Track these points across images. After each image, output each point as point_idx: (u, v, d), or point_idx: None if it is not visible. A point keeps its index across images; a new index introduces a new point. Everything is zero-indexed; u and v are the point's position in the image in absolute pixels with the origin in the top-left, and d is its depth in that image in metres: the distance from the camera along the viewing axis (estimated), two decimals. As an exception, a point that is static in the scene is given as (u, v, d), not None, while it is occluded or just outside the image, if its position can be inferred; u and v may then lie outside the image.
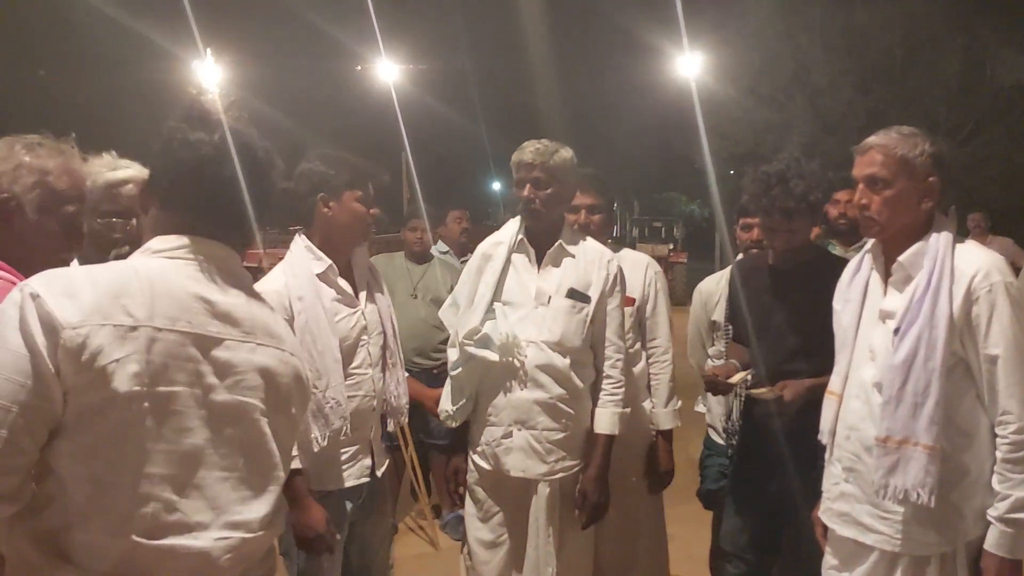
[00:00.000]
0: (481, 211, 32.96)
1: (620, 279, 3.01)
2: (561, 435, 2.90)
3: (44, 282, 1.32)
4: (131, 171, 2.15)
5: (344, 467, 2.72)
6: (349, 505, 2.76)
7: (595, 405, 2.96)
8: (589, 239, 3.06)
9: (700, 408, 3.70)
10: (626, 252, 3.32)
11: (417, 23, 22.54)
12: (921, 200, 2.28)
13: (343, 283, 2.76)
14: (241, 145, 1.48)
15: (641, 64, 21.54)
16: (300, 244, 2.73)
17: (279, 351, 1.49)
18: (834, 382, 2.47)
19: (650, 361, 3.25)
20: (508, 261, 2.97)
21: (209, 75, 12.29)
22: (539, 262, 2.97)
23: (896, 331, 2.25)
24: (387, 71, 17.42)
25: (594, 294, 2.94)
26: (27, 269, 1.70)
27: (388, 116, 17.88)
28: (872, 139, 2.32)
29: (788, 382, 2.69)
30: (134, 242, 2.00)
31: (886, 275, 2.37)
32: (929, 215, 2.31)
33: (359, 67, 18.52)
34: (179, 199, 1.47)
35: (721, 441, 3.50)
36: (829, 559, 2.47)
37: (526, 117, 26.95)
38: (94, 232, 2.12)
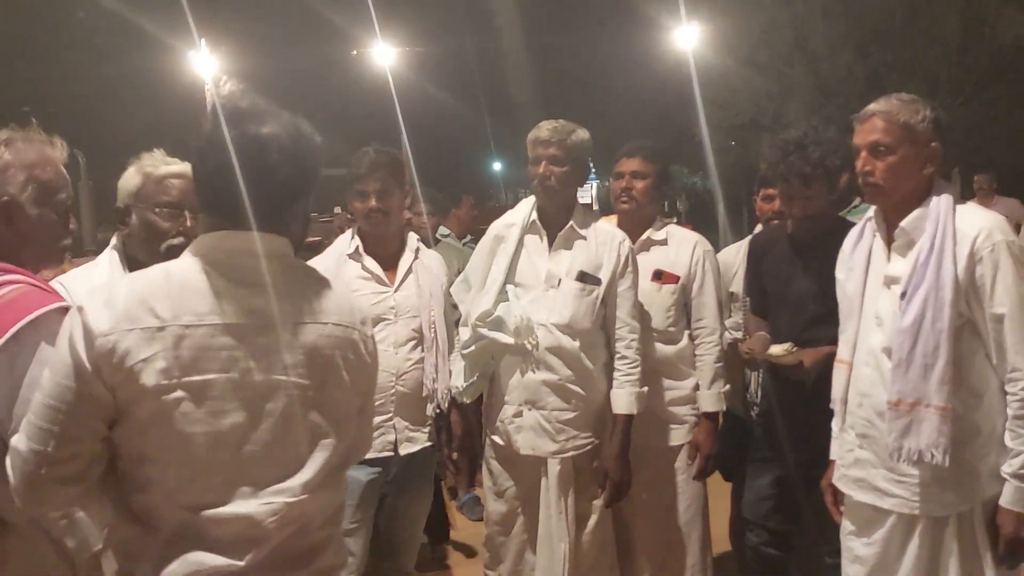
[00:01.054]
0: (483, 192, 32.92)
1: (632, 260, 3.03)
2: (571, 415, 2.95)
3: (91, 296, 1.50)
4: (183, 167, 2.24)
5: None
6: (370, 477, 2.82)
7: (610, 386, 2.99)
8: (601, 221, 3.09)
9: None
10: (673, 229, 3.29)
11: (412, 5, 22.40)
12: (923, 165, 2.31)
13: (371, 263, 2.92)
14: (260, 136, 1.53)
15: (638, 36, 21.40)
16: (349, 232, 3.05)
17: (320, 325, 1.57)
18: (842, 350, 2.49)
19: (696, 342, 3.21)
20: (520, 242, 3.01)
21: (204, 65, 12.24)
22: (551, 243, 3.00)
23: (902, 295, 2.28)
24: (383, 55, 17.33)
25: (605, 276, 2.96)
26: (35, 263, 1.81)
27: (386, 100, 17.81)
28: (873, 106, 2.34)
29: (807, 349, 2.69)
30: (188, 233, 2.16)
31: (889, 241, 2.39)
32: (930, 180, 2.34)
33: (355, 51, 18.43)
34: (210, 198, 1.58)
35: (740, 413, 3.48)
36: (847, 525, 2.48)
37: (523, 95, 26.83)
38: (148, 223, 2.20)
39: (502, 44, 27.74)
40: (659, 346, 3.17)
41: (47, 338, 1.59)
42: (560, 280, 2.95)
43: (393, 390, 2.88)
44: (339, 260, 2.94)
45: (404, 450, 2.92)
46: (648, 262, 3.20)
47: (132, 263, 2.22)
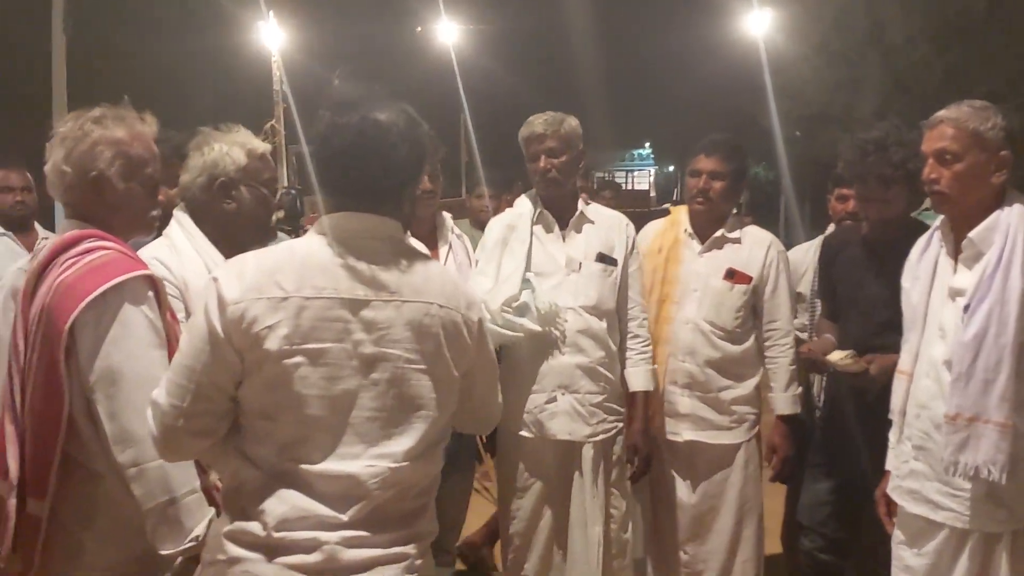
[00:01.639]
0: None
1: (636, 242, 3.16)
2: (600, 397, 3.01)
3: (224, 267, 1.69)
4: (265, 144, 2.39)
5: None
6: None
7: (623, 366, 3.08)
8: (600, 207, 3.17)
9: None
10: (750, 229, 3.24)
11: (478, -18, 22.32)
12: (993, 174, 2.24)
13: (415, 241, 2.90)
14: (379, 122, 1.65)
15: (707, 22, 21.03)
16: None
17: (426, 305, 1.68)
18: (904, 360, 2.45)
19: (768, 344, 3.16)
20: (531, 234, 3.06)
21: (272, 38, 12.39)
22: (563, 231, 3.06)
23: (966, 308, 2.23)
24: (447, 32, 17.33)
25: (620, 257, 3.06)
26: (124, 232, 1.97)
27: (447, 77, 17.84)
28: (942, 112, 2.29)
29: (875, 356, 2.63)
30: (281, 206, 2.23)
31: (956, 252, 2.33)
32: (1000, 189, 2.27)
33: (419, 28, 18.47)
34: (331, 180, 1.71)
35: (802, 415, 3.40)
36: (899, 535, 2.46)
37: (587, 78, 26.62)
38: (258, 197, 2.30)
39: (567, 26, 27.52)
40: (724, 345, 3.13)
41: (130, 300, 1.77)
42: (580, 264, 3.01)
43: None
44: None
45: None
46: (720, 260, 3.16)
47: (223, 233, 2.28)
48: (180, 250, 2.23)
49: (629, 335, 3.08)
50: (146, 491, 1.79)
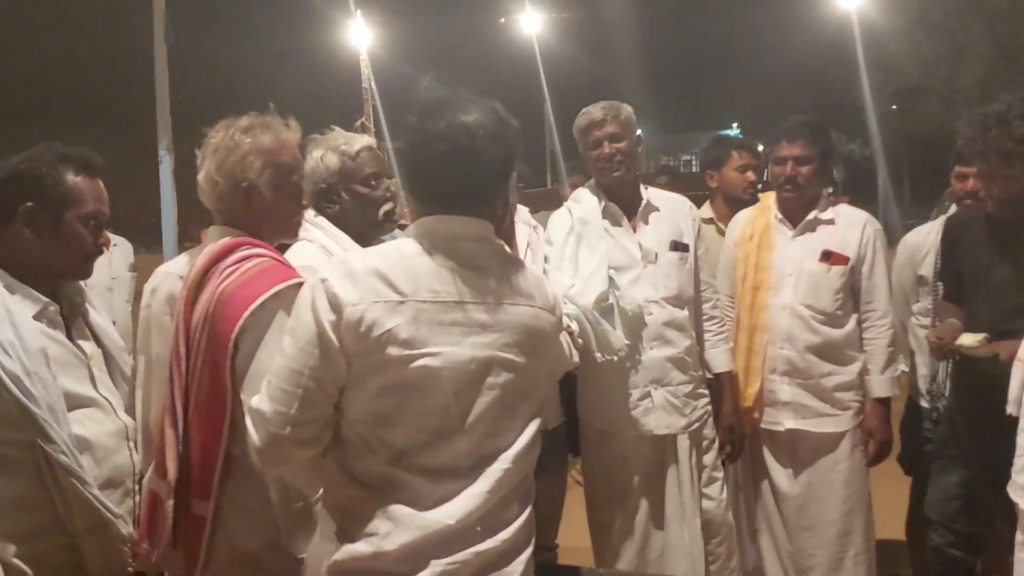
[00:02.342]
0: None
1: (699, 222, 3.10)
2: (690, 387, 2.96)
3: (330, 268, 1.63)
4: (364, 139, 2.40)
5: None
6: None
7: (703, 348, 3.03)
8: (662, 191, 3.10)
9: (902, 368, 3.47)
10: (842, 208, 3.15)
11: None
12: None
13: (499, 242, 2.89)
14: (466, 124, 1.63)
15: (795, -3, 20.41)
16: None
17: (530, 308, 1.68)
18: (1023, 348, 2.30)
19: (866, 325, 3.06)
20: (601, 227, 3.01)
21: (359, 36, 12.64)
22: (631, 222, 3.00)
23: None
24: (530, 22, 17.32)
25: (689, 241, 3.01)
26: (271, 238, 2.00)
27: (530, 67, 17.85)
28: None
29: (1005, 342, 2.51)
30: (393, 198, 2.36)
31: None
32: None
33: (502, 19, 18.53)
34: (422, 184, 1.68)
35: (926, 404, 3.29)
36: (1019, 535, 2.34)
37: (671, 60, 26.24)
38: (359, 196, 2.33)
39: (650, 8, 27.13)
40: (824, 329, 3.03)
41: (285, 308, 1.76)
42: (656, 254, 2.95)
43: None
44: None
45: (551, 424, 2.96)
46: (815, 242, 3.07)
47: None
48: (330, 250, 2.28)
49: (704, 317, 3.04)
50: (281, 495, 1.83)
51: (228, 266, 1.86)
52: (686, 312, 2.96)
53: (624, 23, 26.74)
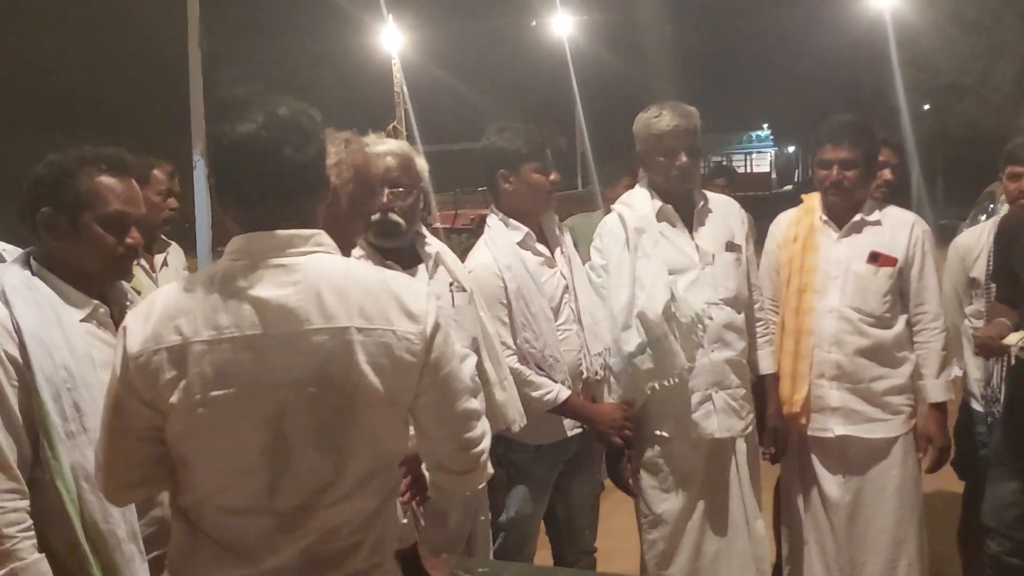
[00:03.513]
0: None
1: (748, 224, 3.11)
2: (745, 390, 2.97)
3: (135, 310, 1.57)
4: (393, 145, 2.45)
5: (555, 420, 2.81)
6: (549, 463, 2.87)
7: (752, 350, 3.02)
8: (711, 193, 3.09)
9: (956, 372, 3.39)
10: (890, 210, 3.11)
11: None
12: None
13: (541, 247, 2.87)
14: (251, 133, 1.51)
15: (826, -4, 20.22)
16: (495, 218, 2.88)
17: (340, 329, 1.50)
18: None
19: (917, 329, 3.03)
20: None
21: (391, 40, 12.71)
22: (687, 225, 2.98)
23: None
24: (561, 24, 17.32)
25: (741, 242, 3.01)
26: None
27: (561, 70, 17.84)
28: None
29: None
30: (385, 208, 2.36)
31: None
32: None
33: (534, 22, 18.54)
34: (225, 198, 1.57)
35: (980, 408, 3.25)
36: None
37: (700, 60, 26.09)
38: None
39: (679, 9, 27.00)
40: (874, 331, 2.99)
41: None
42: (714, 255, 2.94)
43: (580, 366, 2.87)
44: (514, 250, 2.81)
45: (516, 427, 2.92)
46: (862, 244, 3.03)
47: None
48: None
49: (753, 319, 3.05)
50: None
51: None
52: (741, 315, 2.96)
53: (654, 24, 26.62)
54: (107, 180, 1.93)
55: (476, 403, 1.67)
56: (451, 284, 2.52)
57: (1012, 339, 2.54)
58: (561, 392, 2.70)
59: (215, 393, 1.47)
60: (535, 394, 2.70)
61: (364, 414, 1.52)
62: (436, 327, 1.56)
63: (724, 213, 3.03)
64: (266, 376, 1.48)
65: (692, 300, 2.86)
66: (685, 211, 2.99)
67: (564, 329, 2.82)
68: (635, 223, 2.98)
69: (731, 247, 2.96)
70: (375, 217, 2.34)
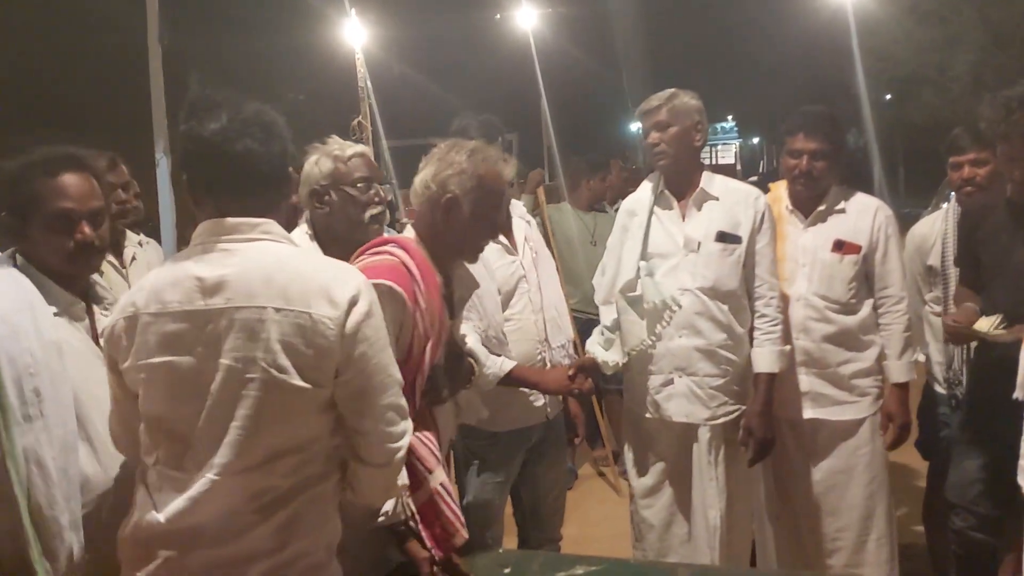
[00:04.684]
0: (620, 156, 32.36)
1: (769, 217, 3.03)
2: (721, 380, 2.97)
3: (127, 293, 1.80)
4: (358, 146, 2.54)
5: (515, 408, 2.86)
6: (516, 448, 2.94)
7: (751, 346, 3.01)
8: (730, 180, 3.09)
9: (920, 356, 3.49)
10: (855, 197, 3.18)
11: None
12: None
13: (502, 236, 2.93)
14: (220, 129, 1.68)
15: (789, -13, 20.40)
16: None
17: (258, 309, 1.64)
18: None
19: (881, 311, 3.11)
20: (651, 214, 3.03)
21: (355, 34, 12.61)
22: (683, 210, 3.02)
23: None
24: (525, 18, 17.29)
25: (744, 233, 2.98)
26: (452, 256, 2.22)
27: (527, 63, 17.81)
28: None
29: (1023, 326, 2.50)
30: (383, 201, 2.51)
31: None
32: None
33: (498, 15, 18.49)
34: (196, 190, 1.76)
35: (942, 390, 3.33)
36: None
37: (664, 52, 26.20)
38: (349, 198, 2.46)
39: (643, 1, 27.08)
40: (839, 317, 3.08)
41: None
42: (699, 243, 2.96)
43: (540, 356, 2.95)
44: None
45: (552, 414, 2.99)
46: (827, 232, 3.11)
47: (325, 235, 2.49)
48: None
49: (756, 315, 3.01)
50: None
51: (363, 252, 2.13)
52: (725, 306, 2.93)
53: (618, 17, 26.70)
54: (51, 180, 1.96)
55: (402, 400, 1.76)
56: None
57: (983, 325, 2.59)
58: (505, 363, 2.73)
59: (154, 360, 1.67)
60: (482, 370, 2.72)
61: (275, 392, 1.63)
62: (364, 317, 1.67)
63: (732, 201, 3.00)
64: (196, 348, 1.65)
65: (665, 285, 2.89)
66: (683, 196, 3.03)
67: (517, 318, 2.88)
68: (629, 205, 3.12)
69: (723, 237, 2.95)
70: (374, 211, 2.48)
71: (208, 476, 1.63)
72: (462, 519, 2.10)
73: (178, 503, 1.65)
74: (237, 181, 1.70)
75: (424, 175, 2.19)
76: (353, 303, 1.67)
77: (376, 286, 1.82)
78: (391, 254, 2.09)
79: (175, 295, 1.66)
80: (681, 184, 3.04)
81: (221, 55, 14.34)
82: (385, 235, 2.41)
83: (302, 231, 2.52)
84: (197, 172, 1.74)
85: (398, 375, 1.77)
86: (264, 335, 1.63)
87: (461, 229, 2.17)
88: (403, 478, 1.97)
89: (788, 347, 3.02)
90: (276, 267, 1.67)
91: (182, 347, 1.65)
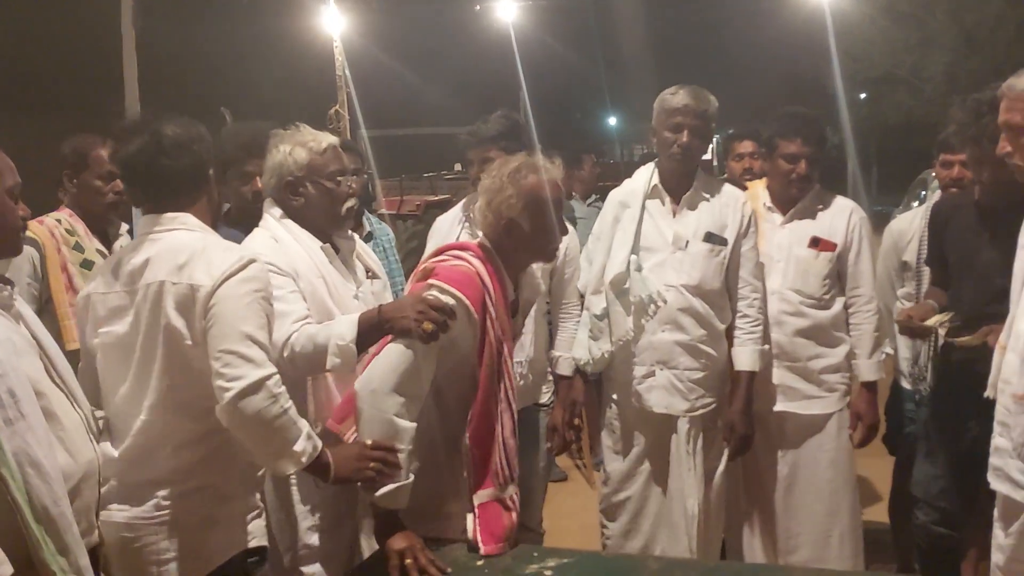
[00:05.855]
0: (597, 150, 32.39)
1: (753, 220, 3.09)
2: (701, 374, 3.02)
3: None
4: (333, 138, 2.52)
5: None
6: None
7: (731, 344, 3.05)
8: (718, 181, 3.15)
9: (888, 351, 3.52)
10: (831, 198, 3.23)
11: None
12: None
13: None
14: (157, 135, 2.06)
15: (767, -14, 20.51)
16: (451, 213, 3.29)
17: (158, 283, 1.99)
18: (1004, 332, 2.34)
19: (852, 311, 3.16)
20: (643, 208, 3.05)
21: (333, 23, 12.51)
22: (676, 207, 3.05)
23: None
24: (505, 9, 17.25)
25: (730, 236, 3.02)
26: (527, 262, 2.40)
27: (506, 55, 17.79)
28: (1004, 85, 2.21)
29: (993, 327, 2.52)
30: (356, 194, 2.56)
31: None
32: None
33: (477, 6, 18.43)
34: (131, 194, 2.20)
35: (908, 386, 3.36)
36: (996, 511, 2.39)
37: (643, 47, 26.25)
38: (326, 191, 2.44)
39: (624, -5, 27.10)
40: (813, 312, 3.12)
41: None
42: (687, 242, 3.00)
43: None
44: (453, 223, 3.17)
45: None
46: (804, 229, 3.15)
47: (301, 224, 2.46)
48: (281, 239, 2.38)
49: (738, 314, 3.05)
50: None
51: (442, 252, 2.34)
52: (707, 303, 2.99)
53: (599, 10, 26.71)
54: None
55: (253, 351, 1.95)
56: None
57: (933, 320, 2.63)
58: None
59: (102, 329, 2.07)
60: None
61: (176, 350, 1.99)
62: (231, 285, 1.97)
63: (721, 203, 3.05)
64: (128, 317, 2.03)
65: (652, 280, 2.94)
66: (677, 195, 3.05)
67: None
68: (621, 196, 3.12)
69: (710, 238, 3.01)
70: (349, 204, 2.50)
71: (140, 419, 2.00)
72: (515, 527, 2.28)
73: (111, 441, 2.04)
74: (156, 191, 2.10)
75: (480, 205, 2.34)
76: (226, 275, 1.98)
77: (454, 298, 2.16)
78: (469, 263, 2.25)
79: (116, 276, 2.06)
80: (680, 182, 3.06)
81: (196, 40, 14.16)
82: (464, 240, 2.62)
83: (274, 217, 2.44)
84: (128, 184, 2.19)
85: (256, 334, 1.97)
86: (164, 303, 1.98)
87: (527, 243, 2.32)
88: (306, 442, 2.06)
89: (768, 347, 3.07)
90: (178, 250, 2.03)
91: (120, 317, 2.04)
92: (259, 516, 2.15)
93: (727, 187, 3.14)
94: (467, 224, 3.09)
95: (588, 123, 35.53)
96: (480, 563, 2.17)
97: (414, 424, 2.12)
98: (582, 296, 3.15)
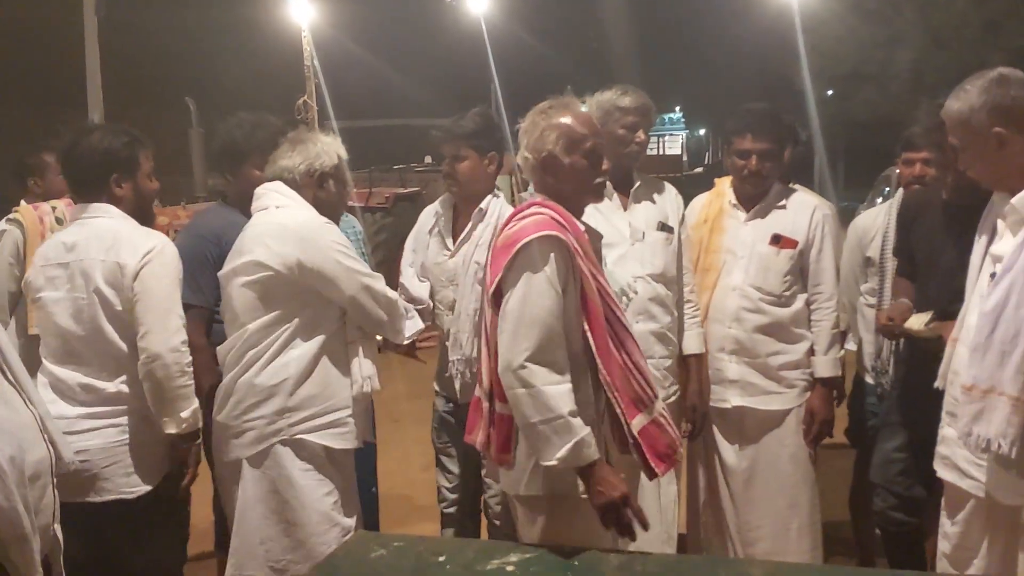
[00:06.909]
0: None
1: (717, 216, 3.22)
2: (670, 361, 3.10)
3: None
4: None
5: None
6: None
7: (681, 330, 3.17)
8: (649, 177, 3.22)
9: (850, 346, 3.55)
10: (796, 194, 3.25)
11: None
12: (998, 150, 2.19)
13: (445, 226, 3.20)
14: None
15: (737, -18, 20.63)
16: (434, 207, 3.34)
17: (90, 260, 2.56)
18: (956, 327, 2.40)
19: (813, 307, 3.18)
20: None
21: (301, 13, 12.36)
22: (623, 201, 3.11)
23: (992, 276, 2.19)
24: (477, 2, 17.19)
25: (674, 224, 3.12)
26: (578, 201, 2.37)
27: (478, 47, 17.74)
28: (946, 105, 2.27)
29: (950, 323, 2.56)
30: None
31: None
32: None
33: None
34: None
35: (871, 380, 3.40)
36: (943, 500, 2.43)
37: (614, 41, 26.34)
38: (341, 192, 2.87)
39: (595, -11, 27.12)
40: (773, 309, 3.14)
41: (527, 256, 2.17)
42: (644, 233, 3.06)
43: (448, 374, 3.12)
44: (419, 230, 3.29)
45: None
46: (766, 226, 3.17)
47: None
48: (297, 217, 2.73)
49: (685, 301, 3.16)
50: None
51: (515, 219, 2.30)
52: (669, 290, 3.07)
53: (570, 6, 26.74)
54: None
55: (171, 321, 2.55)
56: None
57: (914, 323, 2.66)
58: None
59: (41, 295, 2.62)
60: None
61: (107, 314, 2.57)
62: (149, 261, 2.55)
63: (660, 196, 3.16)
64: (64, 286, 2.59)
65: (619, 273, 2.96)
66: (623, 190, 3.10)
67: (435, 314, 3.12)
68: None
69: (662, 227, 3.10)
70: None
71: (79, 377, 2.57)
72: (679, 439, 2.37)
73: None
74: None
75: (522, 152, 2.36)
76: (145, 254, 2.55)
77: (547, 238, 2.17)
78: (540, 212, 2.26)
79: (52, 253, 2.63)
80: (624, 177, 3.10)
81: (160, 30, 13.94)
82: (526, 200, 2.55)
83: (284, 195, 2.74)
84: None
85: (174, 307, 2.58)
86: (95, 276, 2.55)
87: (570, 177, 2.31)
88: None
89: (704, 330, 3.19)
90: (103, 233, 2.60)
91: (55, 286, 2.60)
92: None
93: (658, 181, 3.26)
94: (443, 221, 3.15)
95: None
96: (442, 559, 2.16)
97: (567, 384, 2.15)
98: None
